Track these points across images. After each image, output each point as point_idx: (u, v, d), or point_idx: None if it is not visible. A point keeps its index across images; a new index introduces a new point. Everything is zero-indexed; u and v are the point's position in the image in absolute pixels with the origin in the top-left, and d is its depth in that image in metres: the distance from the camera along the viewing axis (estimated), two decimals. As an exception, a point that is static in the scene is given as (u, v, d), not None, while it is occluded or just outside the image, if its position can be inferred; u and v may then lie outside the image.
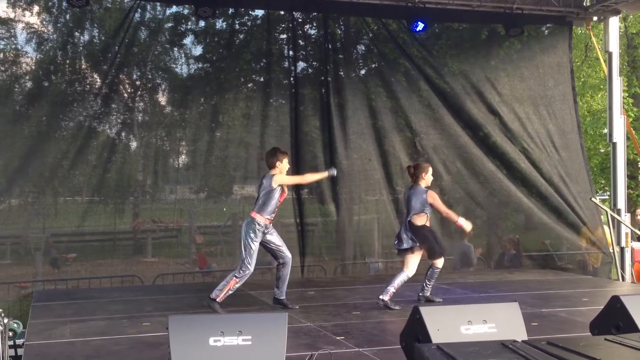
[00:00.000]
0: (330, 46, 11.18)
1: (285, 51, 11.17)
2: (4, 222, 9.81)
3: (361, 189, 11.07)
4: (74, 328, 6.56)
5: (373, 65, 11.83)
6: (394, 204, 10.90)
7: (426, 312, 4.58)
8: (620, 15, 11.74)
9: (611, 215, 10.58)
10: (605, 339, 4.11)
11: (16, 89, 10.02)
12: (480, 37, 11.89)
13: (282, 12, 11.05)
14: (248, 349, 4.23)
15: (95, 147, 10.29)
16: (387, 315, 7.12)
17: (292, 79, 11.06)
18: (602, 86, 16.52)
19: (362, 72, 11.87)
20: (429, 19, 10.61)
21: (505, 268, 11.15)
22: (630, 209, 11.50)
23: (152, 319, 6.81)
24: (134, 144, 10.87)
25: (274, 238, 7.34)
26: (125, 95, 10.59)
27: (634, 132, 13.48)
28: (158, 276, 10.07)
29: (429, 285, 7.68)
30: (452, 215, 7.60)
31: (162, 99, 11.03)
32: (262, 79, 11.22)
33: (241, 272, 7.10)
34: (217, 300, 7.06)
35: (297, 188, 10.35)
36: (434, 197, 7.47)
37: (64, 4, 9.82)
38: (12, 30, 9.94)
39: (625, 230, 10.72)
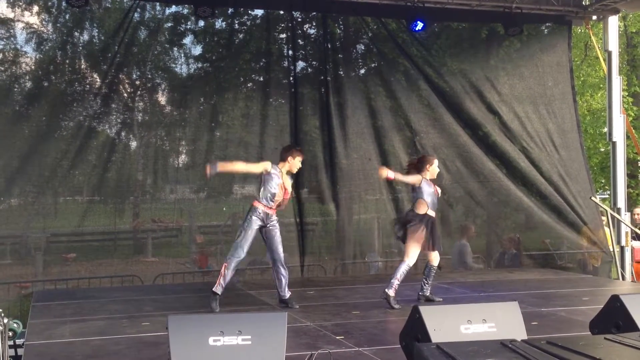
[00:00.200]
0: (329, 46, 11.18)
1: (285, 51, 11.17)
2: (4, 222, 9.81)
3: (361, 189, 11.07)
4: (73, 328, 6.55)
5: (372, 65, 11.83)
6: (393, 204, 10.90)
7: (426, 311, 4.57)
8: (620, 14, 11.73)
9: (611, 214, 10.59)
10: (605, 338, 4.10)
11: (16, 89, 10.02)
12: (480, 36, 11.88)
13: (281, 12, 11.05)
14: (248, 349, 4.22)
15: (95, 147, 10.29)
16: (387, 315, 7.12)
17: (291, 78, 11.06)
18: (601, 85, 16.51)
19: (362, 71, 11.86)
20: (429, 18, 10.59)
21: (505, 267, 11.15)
22: (630, 208, 11.49)
23: (152, 319, 6.80)
24: (133, 144, 10.87)
25: (271, 236, 7.31)
26: (125, 95, 10.58)
27: (633, 131, 13.47)
28: (158, 276, 10.07)
29: (428, 283, 7.72)
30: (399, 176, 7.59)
31: (162, 98, 11.03)
32: (261, 79, 11.22)
33: (230, 257, 7.10)
34: (214, 290, 7.05)
35: (296, 188, 10.34)
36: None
37: (64, 4, 9.81)
38: (12, 30, 9.93)
39: (625, 229, 10.72)
